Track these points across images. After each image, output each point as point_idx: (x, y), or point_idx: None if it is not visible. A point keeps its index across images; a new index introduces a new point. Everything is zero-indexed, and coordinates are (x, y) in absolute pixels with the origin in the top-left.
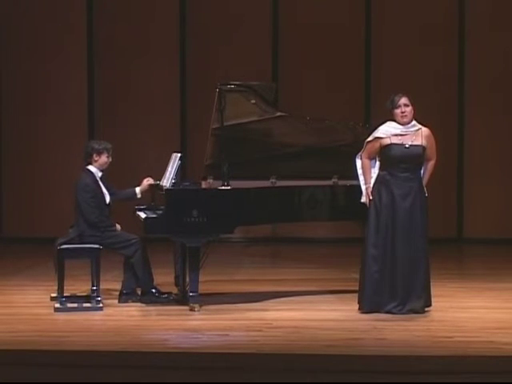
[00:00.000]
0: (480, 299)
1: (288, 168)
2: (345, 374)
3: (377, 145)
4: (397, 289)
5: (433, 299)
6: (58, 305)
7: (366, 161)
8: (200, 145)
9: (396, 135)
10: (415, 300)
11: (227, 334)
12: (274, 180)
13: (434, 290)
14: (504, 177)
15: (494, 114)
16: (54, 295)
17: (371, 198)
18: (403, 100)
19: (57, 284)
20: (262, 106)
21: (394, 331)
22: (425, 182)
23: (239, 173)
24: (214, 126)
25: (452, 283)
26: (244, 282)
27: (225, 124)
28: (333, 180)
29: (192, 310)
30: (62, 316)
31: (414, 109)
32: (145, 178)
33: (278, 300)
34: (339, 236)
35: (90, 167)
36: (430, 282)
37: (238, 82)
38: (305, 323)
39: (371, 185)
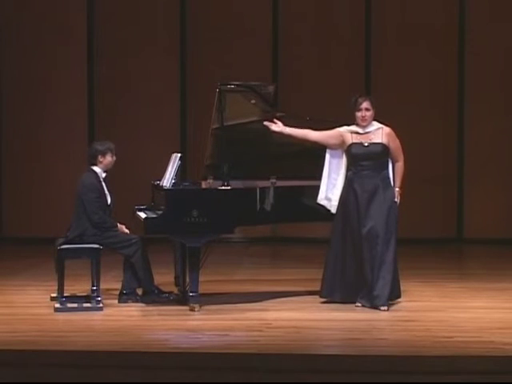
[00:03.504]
0: (480, 299)
1: (288, 168)
2: (345, 374)
3: (335, 133)
4: (349, 285)
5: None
6: (58, 305)
7: (311, 132)
8: (200, 145)
9: (356, 134)
10: (366, 295)
11: (227, 334)
12: (274, 180)
13: (434, 290)
14: (504, 177)
15: (494, 113)
16: (53, 295)
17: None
18: (365, 104)
19: (57, 284)
20: (261, 106)
21: (393, 331)
22: (397, 184)
23: (239, 173)
24: (214, 126)
25: (452, 283)
26: (244, 282)
27: (225, 124)
28: None
29: (192, 310)
30: (62, 316)
31: (375, 112)
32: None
33: (277, 300)
34: None
35: (95, 168)
36: (393, 281)
37: (237, 82)
38: (305, 323)
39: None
